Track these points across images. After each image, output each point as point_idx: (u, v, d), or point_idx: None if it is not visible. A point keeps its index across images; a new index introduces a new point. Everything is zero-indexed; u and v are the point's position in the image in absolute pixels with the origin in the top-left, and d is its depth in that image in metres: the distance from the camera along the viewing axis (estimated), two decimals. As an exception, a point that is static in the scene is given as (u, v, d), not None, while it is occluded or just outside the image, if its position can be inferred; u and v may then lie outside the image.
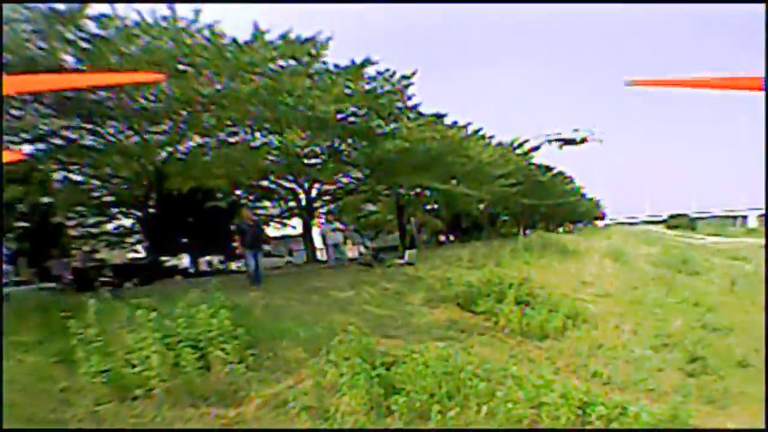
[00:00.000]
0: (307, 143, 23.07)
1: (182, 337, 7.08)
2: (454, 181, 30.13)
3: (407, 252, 19.15)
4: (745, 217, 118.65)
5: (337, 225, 21.91)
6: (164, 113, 17.37)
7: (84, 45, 14.80)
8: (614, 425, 6.73)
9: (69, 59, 14.89)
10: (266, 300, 11.62)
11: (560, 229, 69.14)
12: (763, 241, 60.91)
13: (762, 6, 3.02)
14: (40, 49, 14.08)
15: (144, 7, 16.45)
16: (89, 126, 17.42)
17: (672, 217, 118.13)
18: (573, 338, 12.40)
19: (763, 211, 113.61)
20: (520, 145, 43.46)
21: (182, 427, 5.81)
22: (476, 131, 33.49)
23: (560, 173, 57.37)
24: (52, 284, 21.70)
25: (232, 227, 15.23)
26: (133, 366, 6.54)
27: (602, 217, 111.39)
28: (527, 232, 56.74)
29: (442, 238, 53.03)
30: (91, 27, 15.16)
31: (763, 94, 2.18)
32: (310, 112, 19.00)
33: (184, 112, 17.59)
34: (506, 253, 22.77)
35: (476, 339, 10.76)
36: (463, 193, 29.63)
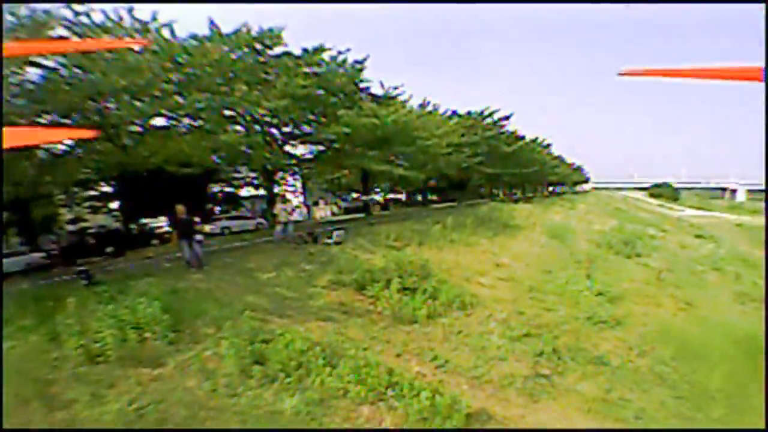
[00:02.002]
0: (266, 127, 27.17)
1: (128, 322, 11.18)
2: (401, 162, 33.88)
3: (335, 232, 22.41)
4: (734, 191, 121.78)
5: (288, 206, 24.92)
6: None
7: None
8: (406, 399, 9.57)
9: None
10: (201, 283, 15.40)
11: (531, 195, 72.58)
12: (743, 218, 64.10)
13: (762, 6, 3.21)
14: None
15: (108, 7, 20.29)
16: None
17: (656, 186, 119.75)
18: (439, 324, 14.59)
19: (753, 186, 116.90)
20: (489, 115, 47.04)
21: (116, 381, 9.79)
22: (430, 111, 37.32)
23: (533, 141, 60.94)
24: (41, 254, 25.32)
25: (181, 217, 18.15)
26: (96, 342, 10.54)
27: (585, 182, 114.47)
28: (501, 195, 60.66)
29: (420, 197, 57.18)
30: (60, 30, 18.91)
31: (762, 85, 2.44)
32: (256, 108, 22.96)
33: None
34: (436, 231, 25.17)
35: (353, 321, 13.74)
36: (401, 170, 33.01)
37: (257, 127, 26.89)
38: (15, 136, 2.73)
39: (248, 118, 25.40)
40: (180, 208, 18.06)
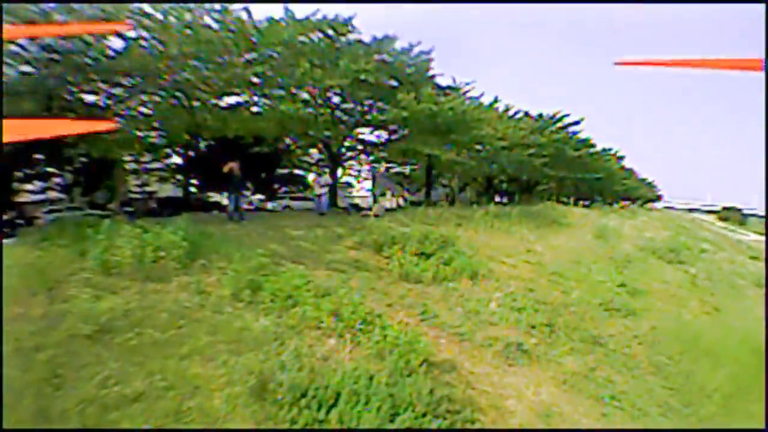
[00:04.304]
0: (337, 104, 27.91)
1: (150, 243, 11.82)
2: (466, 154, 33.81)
3: (374, 206, 22.86)
4: None
5: (327, 179, 25.61)
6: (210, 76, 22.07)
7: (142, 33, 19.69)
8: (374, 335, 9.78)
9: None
10: (232, 231, 16.01)
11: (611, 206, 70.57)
12: None
13: (762, 6, 3.11)
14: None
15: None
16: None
17: (725, 209, 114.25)
18: (442, 286, 14.41)
19: None
20: (559, 119, 46.54)
21: (120, 290, 10.53)
22: (491, 104, 37.21)
23: (604, 150, 59.66)
24: (99, 211, 26.40)
25: (228, 173, 19.21)
26: (115, 256, 11.27)
27: (657, 199, 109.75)
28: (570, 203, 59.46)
29: (498, 198, 56.80)
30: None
31: (762, 75, 2.41)
32: (318, 84, 23.65)
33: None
34: (479, 217, 24.70)
35: (360, 274, 13.91)
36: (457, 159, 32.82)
37: (320, 102, 27.52)
38: (16, 129, 2.60)
39: (311, 91, 25.97)
40: (234, 165, 18.88)
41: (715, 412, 11.02)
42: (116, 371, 7.53)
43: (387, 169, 45.82)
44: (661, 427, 10.23)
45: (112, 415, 6.67)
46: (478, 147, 34.60)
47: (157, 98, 21.86)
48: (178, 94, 21.62)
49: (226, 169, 18.84)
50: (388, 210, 26.51)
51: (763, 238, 64.10)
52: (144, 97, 21.79)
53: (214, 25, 21.72)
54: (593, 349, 13.01)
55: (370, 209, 23.06)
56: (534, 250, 22.12)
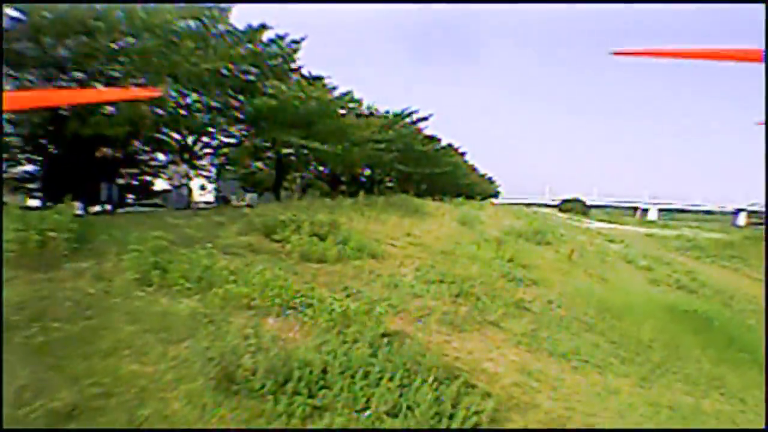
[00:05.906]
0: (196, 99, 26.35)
1: (32, 226, 10.25)
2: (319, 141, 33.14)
3: (248, 196, 22.03)
4: (645, 210, 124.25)
5: (186, 168, 24.27)
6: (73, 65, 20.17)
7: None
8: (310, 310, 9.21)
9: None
10: (110, 219, 15.25)
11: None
12: (653, 230, 65.49)
13: (762, 6, 3.09)
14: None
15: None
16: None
17: (566, 201, 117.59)
18: (349, 265, 14.13)
19: (665, 206, 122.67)
20: (408, 115, 47.01)
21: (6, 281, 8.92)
22: (345, 93, 36.85)
23: (448, 146, 61.30)
24: None
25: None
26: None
27: (495, 195, 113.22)
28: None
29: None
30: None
31: (762, 66, 2.40)
32: (195, 68, 22.20)
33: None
34: (348, 205, 24.95)
35: (260, 257, 12.98)
36: (325, 150, 32.18)
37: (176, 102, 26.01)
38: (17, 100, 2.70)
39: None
40: (106, 150, 18.95)
41: (665, 357, 11.83)
42: (30, 379, 6.06)
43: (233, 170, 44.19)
44: (623, 374, 10.49)
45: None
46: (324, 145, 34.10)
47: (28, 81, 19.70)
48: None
49: (99, 153, 17.38)
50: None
51: (610, 225, 68.91)
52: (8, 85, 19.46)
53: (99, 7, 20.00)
54: (523, 313, 13.34)
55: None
56: (413, 233, 22.14)
